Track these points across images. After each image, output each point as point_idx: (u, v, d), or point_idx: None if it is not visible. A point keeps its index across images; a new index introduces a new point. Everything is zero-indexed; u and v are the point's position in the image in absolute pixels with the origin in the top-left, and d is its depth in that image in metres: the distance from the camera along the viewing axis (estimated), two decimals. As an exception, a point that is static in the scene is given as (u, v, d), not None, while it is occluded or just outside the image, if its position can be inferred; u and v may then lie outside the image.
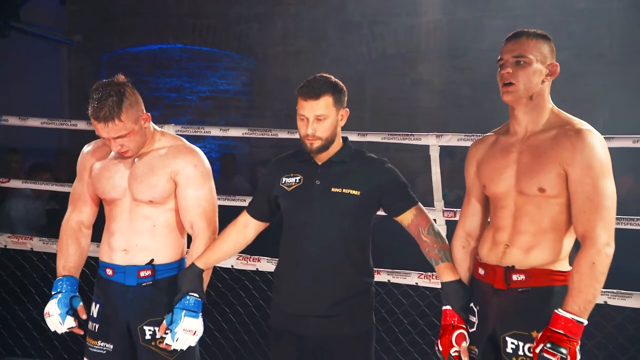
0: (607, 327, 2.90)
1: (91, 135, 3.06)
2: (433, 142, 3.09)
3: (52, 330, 2.34)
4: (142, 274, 2.32)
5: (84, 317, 2.34)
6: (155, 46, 7.34)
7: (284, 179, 2.27)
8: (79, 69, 7.32)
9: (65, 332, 2.34)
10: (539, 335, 1.91)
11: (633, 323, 2.93)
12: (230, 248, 2.34)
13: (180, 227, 2.38)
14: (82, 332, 2.36)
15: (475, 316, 2.11)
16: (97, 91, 2.23)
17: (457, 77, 6.51)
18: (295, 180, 2.25)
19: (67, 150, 6.37)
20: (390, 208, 2.26)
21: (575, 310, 1.87)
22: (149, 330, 2.31)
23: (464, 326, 2.12)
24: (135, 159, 2.36)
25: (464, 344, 2.10)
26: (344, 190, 2.20)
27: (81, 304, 2.36)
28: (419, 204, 2.27)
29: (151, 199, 2.32)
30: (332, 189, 2.20)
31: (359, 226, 2.24)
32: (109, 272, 2.36)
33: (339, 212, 2.20)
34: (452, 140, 3.07)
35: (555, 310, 1.89)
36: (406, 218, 2.24)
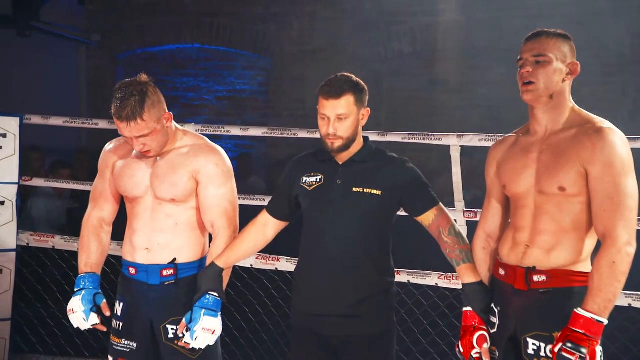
0: (631, 330, 2.87)
1: (110, 134, 3.09)
2: (454, 142, 3.08)
3: (76, 326, 2.36)
4: (164, 273, 2.34)
5: (108, 313, 2.36)
6: (173, 46, 7.37)
7: (304, 179, 2.27)
8: (97, 68, 7.37)
9: (89, 328, 2.36)
10: (559, 335, 1.90)
11: (636, 323, 2.90)
12: (250, 247, 2.35)
13: (201, 225, 2.40)
14: (105, 329, 2.38)
15: (496, 317, 2.11)
16: (120, 90, 2.25)
17: (474, 77, 6.48)
18: (316, 179, 2.25)
19: (86, 149, 6.43)
20: (411, 208, 2.26)
21: (595, 310, 1.86)
22: (172, 329, 2.33)
23: (485, 327, 2.12)
24: (158, 157, 2.37)
25: (485, 346, 2.09)
26: (365, 190, 2.20)
27: (105, 300, 2.37)
28: (440, 204, 2.26)
29: (173, 197, 2.34)
30: (354, 189, 2.20)
31: (380, 226, 2.24)
32: (132, 270, 2.38)
33: (360, 211, 2.20)
34: (473, 140, 3.06)
35: (575, 310, 1.89)
36: (427, 218, 2.23)
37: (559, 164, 1.98)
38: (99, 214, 2.47)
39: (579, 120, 2.02)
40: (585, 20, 5.75)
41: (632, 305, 2.70)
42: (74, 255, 3.56)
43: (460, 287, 2.99)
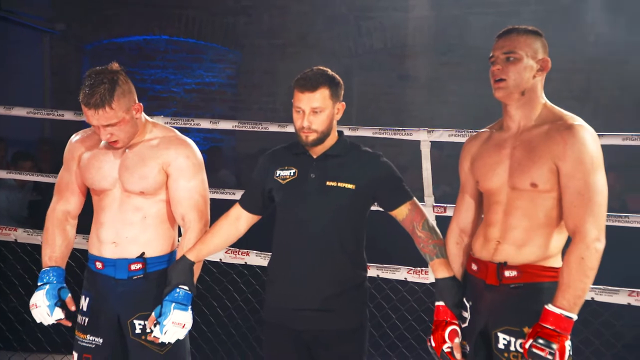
0: (593, 323, 2.93)
1: (75, 125, 3.03)
2: (424, 137, 3.09)
3: (39, 321, 2.30)
4: (133, 267, 2.29)
5: (73, 308, 2.31)
6: (140, 37, 7.26)
7: (278, 172, 2.25)
8: (62, 58, 7.22)
9: (53, 323, 2.30)
10: (530, 331, 1.92)
11: (619, 319, 2.96)
12: (222, 241, 2.32)
13: (171, 219, 2.36)
14: (70, 324, 2.33)
15: (467, 311, 2.12)
16: (90, 77, 2.20)
17: (443, 73, 6.52)
18: (290, 173, 2.24)
19: (50, 140, 6.29)
20: (385, 202, 2.26)
21: (565, 306, 1.88)
22: (139, 324, 2.29)
23: (457, 322, 2.13)
24: (127, 149, 2.32)
25: (457, 340, 2.10)
26: (339, 184, 2.19)
27: (70, 295, 2.32)
28: (414, 198, 2.26)
29: (142, 190, 2.29)
30: (327, 183, 2.19)
31: (354, 220, 2.23)
32: (99, 265, 2.32)
33: (334, 205, 2.18)
34: (443, 135, 3.07)
35: (545, 306, 1.90)
36: (401, 213, 2.23)
37: (531, 160, 2.00)
38: (64, 207, 2.40)
39: (551, 116, 2.04)
40: (551, 17, 5.83)
41: (595, 299, 2.75)
42: (36, 248, 3.49)
43: (429, 281, 3.02)
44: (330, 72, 2.22)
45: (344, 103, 2.26)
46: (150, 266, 2.31)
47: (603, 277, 2.58)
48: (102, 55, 7.09)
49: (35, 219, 4.79)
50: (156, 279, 2.30)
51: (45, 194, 4.87)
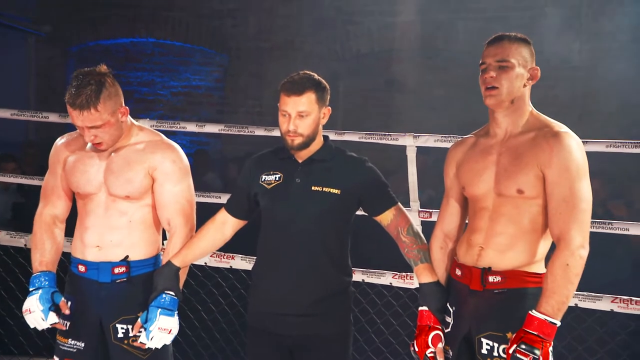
0: (577, 329, 2.94)
1: (60, 128, 3.00)
2: (410, 142, 3.10)
3: (33, 326, 2.28)
4: (116, 270, 2.28)
5: (67, 312, 2.28)
6: (127, 39, 7.23)
7: (263, 177, 2.25)
8: (47, 60, 7.17)
9: (47, 328, 2.28)
10: (513, 336, 1.92)
11: (602, 325, 2.98)
12: (208, 246, 2.31)
13: (156, 223, 2.35)
14: (65, 327, 2.30)
15: (450, 316, 2.12)
16: (77, 78, 2.19)
17: (430, 78, 6.55)
18: (275, 177, 2.23)
19: (35, 142, 6.24)
20: (370, 207, 2.26)
21: (549, 312, 1.89)
22: (122, 328, 2.27)
23: (440, 327, 2.13)
24: (112, 153, 2.31)
25: (440, 345, 2.11)
26: (324, 189, 2.18)
27: (63, 299, 2.30)
28: (399, 204, 2.27)
29: (128, 194, 2.28)
30: (313, 188, 2.19)
31: (339, 225, 2.23)
32: (82, 268, 2.31)
33: (319, 210, 2.18)
34: (429, 141, 3.08)
35: (529, 312, 1.91)
36: (385, 218, 2.24)
37: (517, 166, 2.01)
38: (51, 211, 2.38)
39: (537, 123, 2.05)
40: (536, 24, 5.88)
41: (579, 305, 2.77)
42: (19, 251, 3.45)
43: (414, 286, 3.02)
44: (316, 76, 2.22)
45: (329, 108, 2.26)
46: (134, 270, 2.29)
47: (587, 284, 2.60)
48: (88, 57, 7.05)
49: (19, 221, 4.74)
50: (140, 283, 2.29)
51: (29, 196, 4.82)
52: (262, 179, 2.25)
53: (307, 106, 2.17)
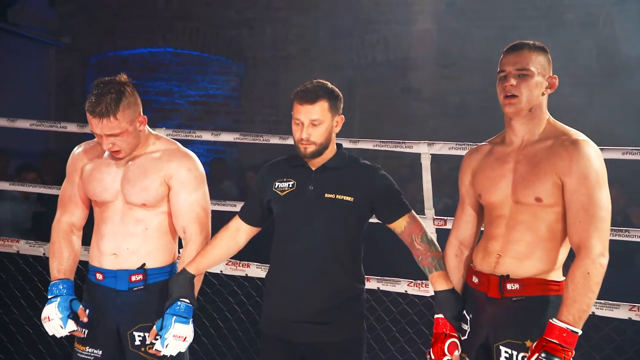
0: (594, 337, 2.92)
1: (79, 137, 3.04)
2: (425, 150, 3.09)
3: (51, 334, 2.30)
4: (133, 278, 2.30)
5: (86, 319, 2.31)
6: (145, 49, 7.31)
7: (277, 184, 2.26)
8: (67, 70, 7.27)
9: (66, 335, 2.31)
10: (534, 345, 1.91)
11: (620, 334, 2.95)
12: (222, 253, 2.33)
13: (172, 230, 2.36)
14: (83, 335, 2.33)
15: (467, 324, 2.12)
16: (98, 87, 2.22)
17: (445, 86, 6.54)
18: (289, 185, 2.25)
19: (54, 152, 6.32)
20: (384, 215, 2.26)
21: (570, 320, 1.88)
22: (139, 335, 2.29)
23: (456, 335, 2.13)
24: (129, 162, 2.34)
25: (456, 353, 2.10)
26: (337, 197, 2.19)
27: (81, 306, 2.32)
28: (412, 211, 2.27)
29: (144, 202, 2.30)
30: (326, 195, 2.20)
31: (352, 232, 2.23)
32: (99, 276, 2.33)
33: (332, 218, 2.19)
34: (443, 148, 3.07)
35: (550, 320, 1.90)
36: (399, 225, 2.24)
37: (535, 174, 2.00)
38: (68, 219, 2.41)
39: (554, 131, 2.05)
40: (553, 32, 5.85)
41: (596, 314, 2.74)
42: (38, 259, 3.50)
43: (429, 294, 3.01)
44: (329, 85, 2.23)
45: (342, 116, 2.27)
46: (151, 277, 2.31)
47: (604, 291, 2.57)
48: (106, 67, 7.14)
49: (39, 230, 4.80)
50: (157, 291, 2.30)
51: (49, 205, 4.88)
52: (276, 186, 2.26)
53: (320, 114, 2.18)
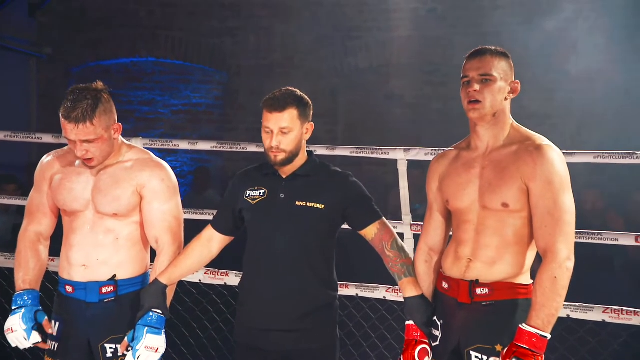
0: (569, 340, 2.93)
1: (59, 148, 2.99)
2: (401, 156, 3.11)
3: (14, 345, 2.28)
4: (104, 290, 2.28)
5: (50, 331, 2.29)
6: (127, 59, 7.29)
7: (248, 192, 2.26)
8: (49, 81, 7.23)
9: (29, 347, 2.28)
10: (505, 351, 1.92)
11: (595, 336, 2.96)
12: (194, 263, 2.32)
13: (144, 240, 2.35)
14: (48, 347, 2.30)
15: (438, 330, 2.12)
16: (73, 93, 2.21)
17: (428, 92, 6.57)
18: (260, 193, 2.25)
19: (37, 164, 6.28)
20: (354, 222, 2.26)
21: (539, 325, 1.89)
22: (111, 348, 2.27)
23: (427, 341, 2.13)
24: (100, 171, 2.32)
25: (427, 359, 2.10)
26: (308, 204, 2.20)
27: (46, 318, 2.30)
28: (383, 218, 2.27)
29: (116, 212, 2.29)
30: (297, 203, 2.20)
31: (324, 240, 2.23)
32: (69, 289, 2.31)
33: (303, 225, 2.19)
34: (419, 154, 3.09)
35: (520, 326, 1.91)
36: (370, 232, 2.24)
37: (502, 180, 2.02)
38: (36, 229, 2.39)
39: (518, 136, 2.06)
40: (533, 38, 5.90)
41: (570, 316, 2.75)
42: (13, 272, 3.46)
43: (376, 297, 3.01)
44: (299, 92, 2.24)
45: (312, 123, 2.27)
46: (122, 288, 2.30)
47: (583, 294, 2.59)
48: (89, 78, 7.03)
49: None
50: (128, 302, 2.29)
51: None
52: (247, 195, 2.26)
53: (289, 122, 2.18)
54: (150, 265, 2.40)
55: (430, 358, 2.11)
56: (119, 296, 2.29)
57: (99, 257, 2.29)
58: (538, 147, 2.00)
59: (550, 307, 1.89)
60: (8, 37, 6.61)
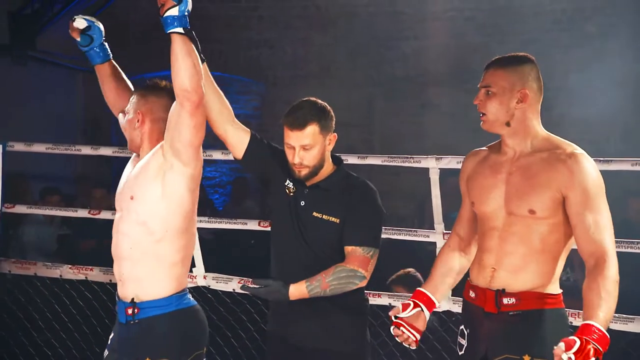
0: (612, 350, 2.84)
1: (105, 160, 3.07)
2: (432, 164, 3.09)
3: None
4: (129, 311, 2.09)
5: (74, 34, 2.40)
6: (169, 72, 7.43)
7: (288, 181, 2.25)
8: (94, 95, 7.42)
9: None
10: (577, 344, 1.74)
11: (636, 349, 2.87)
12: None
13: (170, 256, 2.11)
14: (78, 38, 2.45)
15: (464, 339, 2.11)
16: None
17: (465, 100, 6.46)
18: (292, 190, 2.24)
19: (87, 175, 6.44)
20: (343, 235, 2.20)
21: (602, 323, 1.81)
22: None
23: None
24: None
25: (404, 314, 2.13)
26: (324, 217, 2.19)
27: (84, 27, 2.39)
28: (369, 250, 2.17)
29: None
30: (314, 214, 2.20)
31: (338, 253, 2.21)
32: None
33: (319, 236, 2.19)
34: (451, 162, 3.06)
35: (588, 322, 1.80)
36: (346, 251, 2.18)
37: (530, 186, 1.99)
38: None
39: (547, 144, 2.04)
40: (574, 44, 5.79)
41: (611, 327, 2.66)
42: (55, 281, 3.55)
43: (439, 310, 2.98)
44: (319, 104, 2.22)
45: (335, 134, 2.26)
46: (143, 312, 2.09)
47: (620, 305, 2.51)
48: (134, 90, 7.27)
49: (63, 253, 4.89)
50: (148, 326, 2.07)
51: (74, 228, 4.98)
52: (287, 183, 2.24)
53: (310, 139, 2.17)
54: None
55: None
56: (141, 320, 2.08)
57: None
58: (571, 155, 1.98)
59: (610, 309, 1.84)
60: (56, 52, 6.82)
